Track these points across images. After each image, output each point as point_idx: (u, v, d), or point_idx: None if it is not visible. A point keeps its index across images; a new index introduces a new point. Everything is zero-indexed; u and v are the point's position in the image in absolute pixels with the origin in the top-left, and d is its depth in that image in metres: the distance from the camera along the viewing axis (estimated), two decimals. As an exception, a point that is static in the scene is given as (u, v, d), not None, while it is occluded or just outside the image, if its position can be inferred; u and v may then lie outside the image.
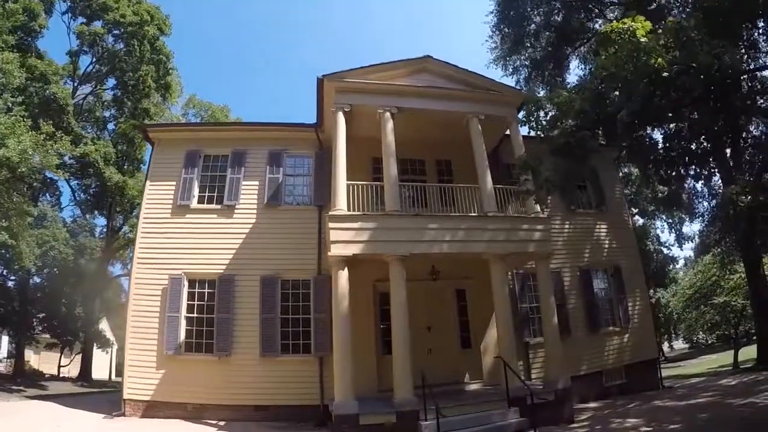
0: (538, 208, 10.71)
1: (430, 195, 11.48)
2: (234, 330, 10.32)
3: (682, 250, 26.71)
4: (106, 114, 18.64)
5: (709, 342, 29.84)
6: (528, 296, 12.07)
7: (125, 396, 9.86)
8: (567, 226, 13.07)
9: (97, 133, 18.18)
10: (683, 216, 19.11)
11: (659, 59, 6.20)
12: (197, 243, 10.77)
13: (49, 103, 14.49)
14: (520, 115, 10.65)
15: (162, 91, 19.64)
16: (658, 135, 9.59)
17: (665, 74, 6.23)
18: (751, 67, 7.86)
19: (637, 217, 22.10)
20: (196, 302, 10.52)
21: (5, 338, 21.38)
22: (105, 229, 18.90)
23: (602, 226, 13.41)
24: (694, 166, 8.07)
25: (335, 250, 9.14)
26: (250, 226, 11.07)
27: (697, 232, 20.79)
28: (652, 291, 24.17)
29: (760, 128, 10.85)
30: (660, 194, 9.07)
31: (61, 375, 19.93)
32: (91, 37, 17.91)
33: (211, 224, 10.98)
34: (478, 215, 10.23)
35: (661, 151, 7.79)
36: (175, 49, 50.29)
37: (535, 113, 7.48)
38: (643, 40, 6.09)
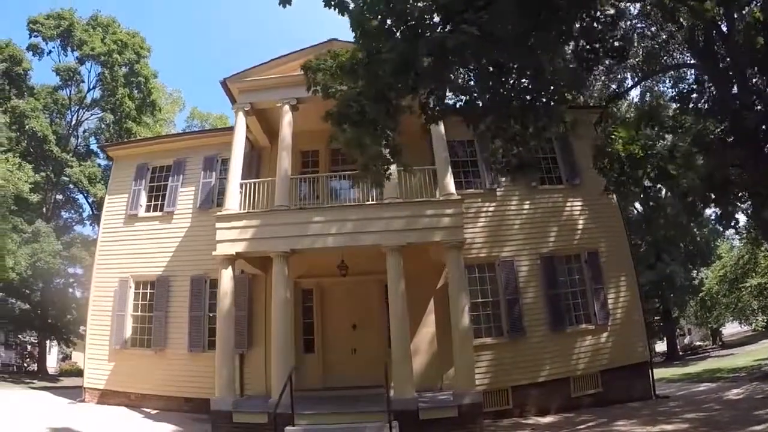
0: (451, 188, 9.46)
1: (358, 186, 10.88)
2: (168, 327, 11.09)
3: (732, 223, 20.29)
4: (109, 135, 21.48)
5: None
6: (471, 290, 10.58)
7: (85, 385, 11.31)
8: (526, 207, 11.24)
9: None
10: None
11: None
12: (143, 248, 11.77)
13: (32, 137, 17.52)
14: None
15: (150, 109, 21.98)
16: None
17: None
18: None
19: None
20: (140, 302, 11.56)
21: (55, 348, 25.87)
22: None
23: (575, 204, 11.23)
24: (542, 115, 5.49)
25: (220, 249, 9.27)
26: (185, 229, 11.75)
27: None
28: (695, 272, 19.48)
29: None
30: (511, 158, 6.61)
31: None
32: (66, 73, 20.91)
33: (154, 230, 11.92)
34: (375, 203, 9.44)
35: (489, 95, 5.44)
36: (177, 65, 55.29)
37: (320, 77, 6.34)
38: None
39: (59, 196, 21.28)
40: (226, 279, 9.17)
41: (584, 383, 10.14)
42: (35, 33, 20.83)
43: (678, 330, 30.17)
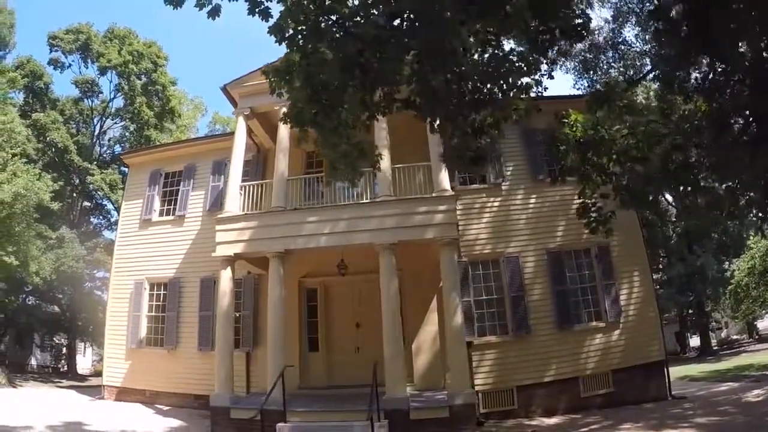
0: (445, 185, 9.27)
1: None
2: (179, 327, 11.46)
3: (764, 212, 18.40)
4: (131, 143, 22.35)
5: None
6: (474, 287, 10.43)
7: (104, 382, 11.87)
8: (532, 201, 10.89)
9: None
10: None
11: None
12: (157, 251, 12.21)
13: (53, 147, 18.55)
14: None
15: (169, 116, 22.68)
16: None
17: None
18: None
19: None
20: (154, 303, 12.00)
21: (89, 349, 27.25)
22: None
23: (583, 196, 10.70)
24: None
25: (220, 251, 9.47)
26: (196, 232, 12.08)
27: None
28: (727, 263, 18.18)
29: None
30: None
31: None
32: (84, 85, 21.86)
33: (167, 233, 12.34)
34: (368, 201, 9.40)
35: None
36: (200, 70, 57.13)
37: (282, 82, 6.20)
38: None
39: (87, 203, 22.56)
40: (225, 280, 9.37)
41: (595, 383, 9.72)
42: (55, 48, 21.96)
43: (715, 323, 28.59)
